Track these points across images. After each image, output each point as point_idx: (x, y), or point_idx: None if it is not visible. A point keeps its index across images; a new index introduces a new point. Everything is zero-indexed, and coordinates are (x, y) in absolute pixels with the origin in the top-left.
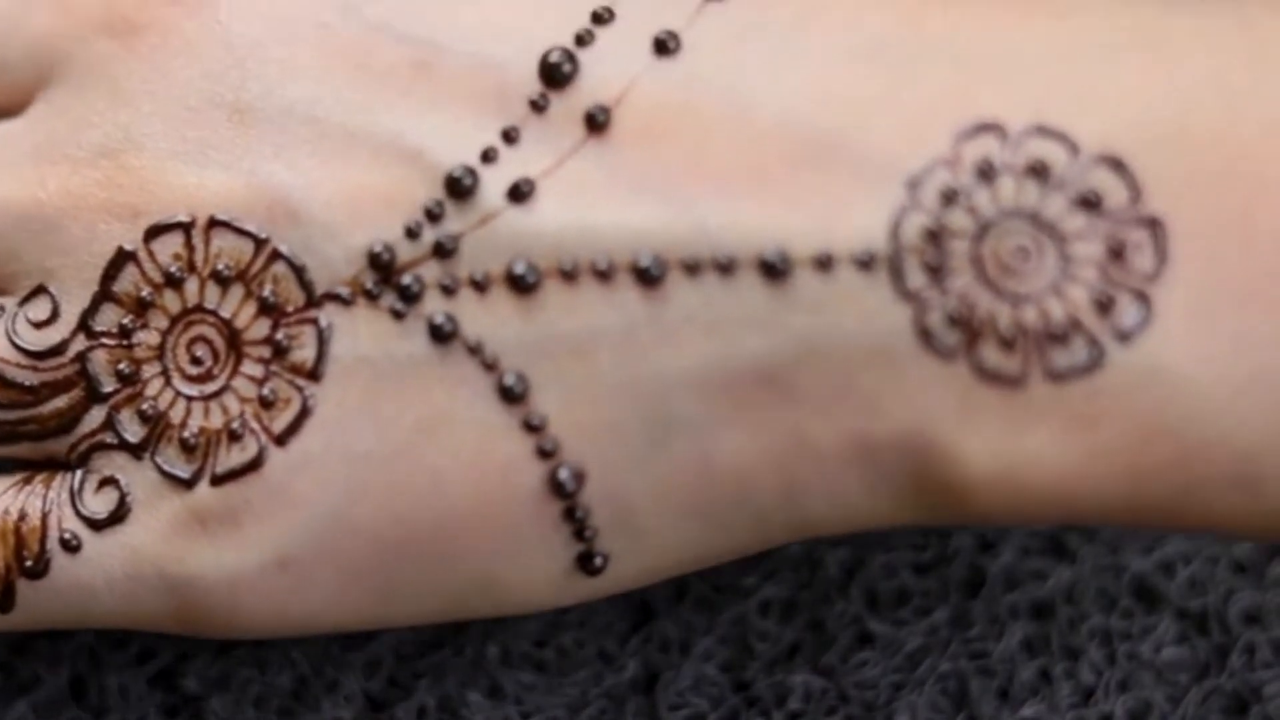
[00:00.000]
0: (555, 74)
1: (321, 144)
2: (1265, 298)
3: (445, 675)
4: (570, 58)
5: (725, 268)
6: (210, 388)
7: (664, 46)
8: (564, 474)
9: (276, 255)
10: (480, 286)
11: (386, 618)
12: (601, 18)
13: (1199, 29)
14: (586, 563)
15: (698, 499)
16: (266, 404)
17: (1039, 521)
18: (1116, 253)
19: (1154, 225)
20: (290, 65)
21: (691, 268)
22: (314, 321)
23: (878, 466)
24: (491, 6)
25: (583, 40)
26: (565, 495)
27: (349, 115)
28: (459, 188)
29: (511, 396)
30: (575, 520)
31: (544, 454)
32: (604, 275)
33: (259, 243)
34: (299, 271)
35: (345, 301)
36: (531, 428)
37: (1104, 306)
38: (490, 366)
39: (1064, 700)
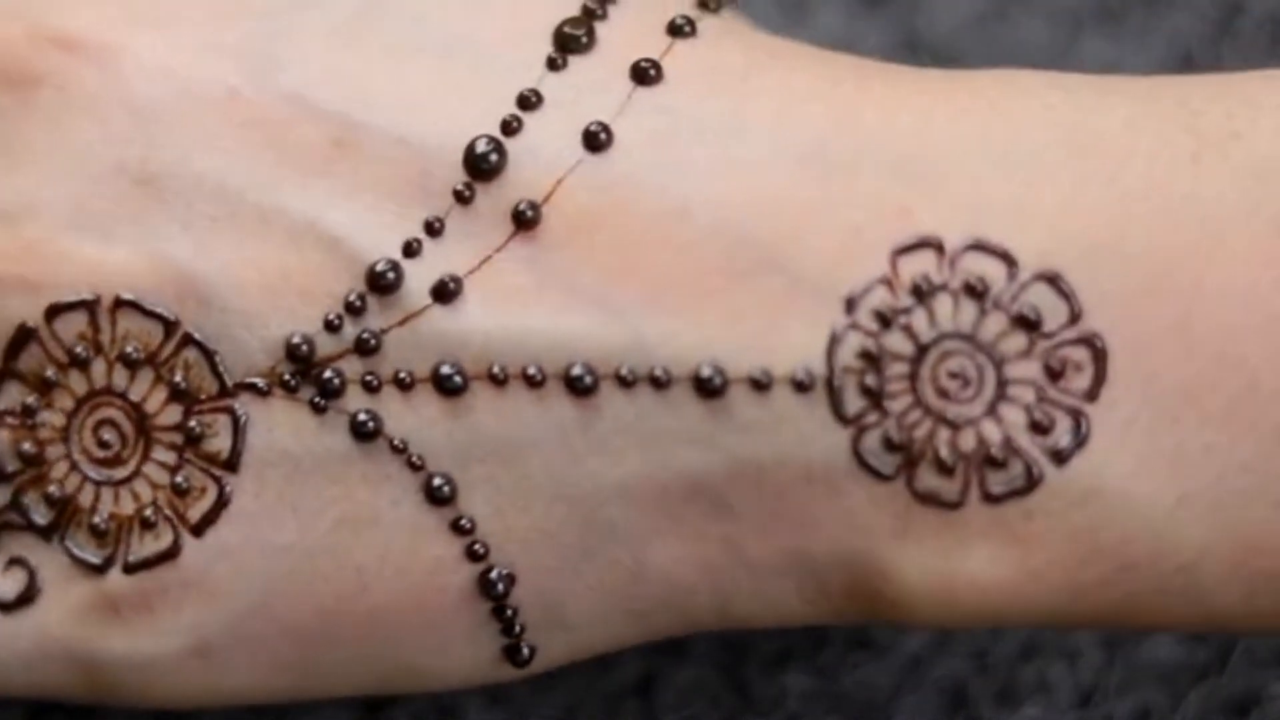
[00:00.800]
0: (482, 165)
1: (233, 223)
2: (1202, 410)
3: None
4: (498, 147)
5: (660, 383)
6: (120, 473)
7: (595, 140)
8: (494, 575)
9: (188, 340)
10: (405, 385)
11: (308, 694)
12: (529, 101)
13: (1138, 123)
14: (514, 654)
15: (629, 601)
16: (180, 492)
17: (977, 628)
18: (1055, 373)
19: (1093, 344)
20: (199, 134)
21: (625, 381)
22: (229, 410)
23: (813, 578)
24: (414, 81)
25: (510, 128)
26: (495, 596)
27: (262, 194)
28: (381, 283)
29: (439, 498)
30: (504, 619)
31: (474, 556)
32: (535, 383)
33: (169, 326)
34: (212, 359)
35: (262, 392)
36: (461, 529)
37: (1041, 428)
38: (416, 466)
39: (1063, 702)
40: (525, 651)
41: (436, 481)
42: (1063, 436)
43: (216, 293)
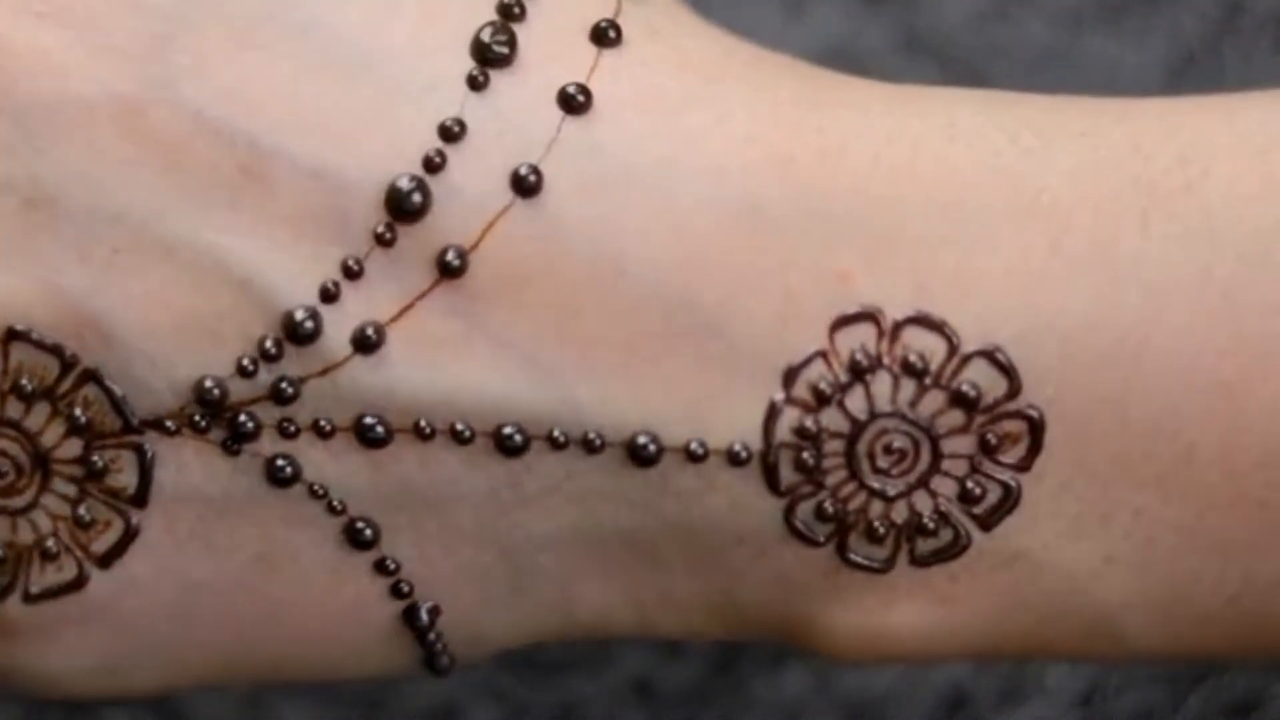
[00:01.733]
0: (404, 206)
1: (134, 255)
2: (1135, 477)
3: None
4: (421, 187)
5: (593, 446)
6: (16, 502)
7: (524, 184)
8: (419, 611)
9: (88, 377)
10: (325, 434)
11: (221, 686)
12: (451, 133)
13: (1085, 176)
14: (433, 664)
15: (555, 631)
16: (83, 525)
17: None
18: (990, 448)
19: (1030, 418)
20: (92, 150)
21: (557, 443)
22: (134, 447)
23: (739, 618)
24: (326, 101)
25: (433, 164)
26: (419, 628)
27: (166, 224)
28: (299, 333)
29: (361, 542)
30: (427, 643)
31: (397, 594)
32: (463, 440)
33: (66, 361)
34: (114, 397)
35: (170, 431)
36: (384, 569)
37: (971, 498)
38: (337, 511)
39: (1064, 702)
40: (444, 661)
41: (359, 525)
42: (993, 505)
43: (118, 331)
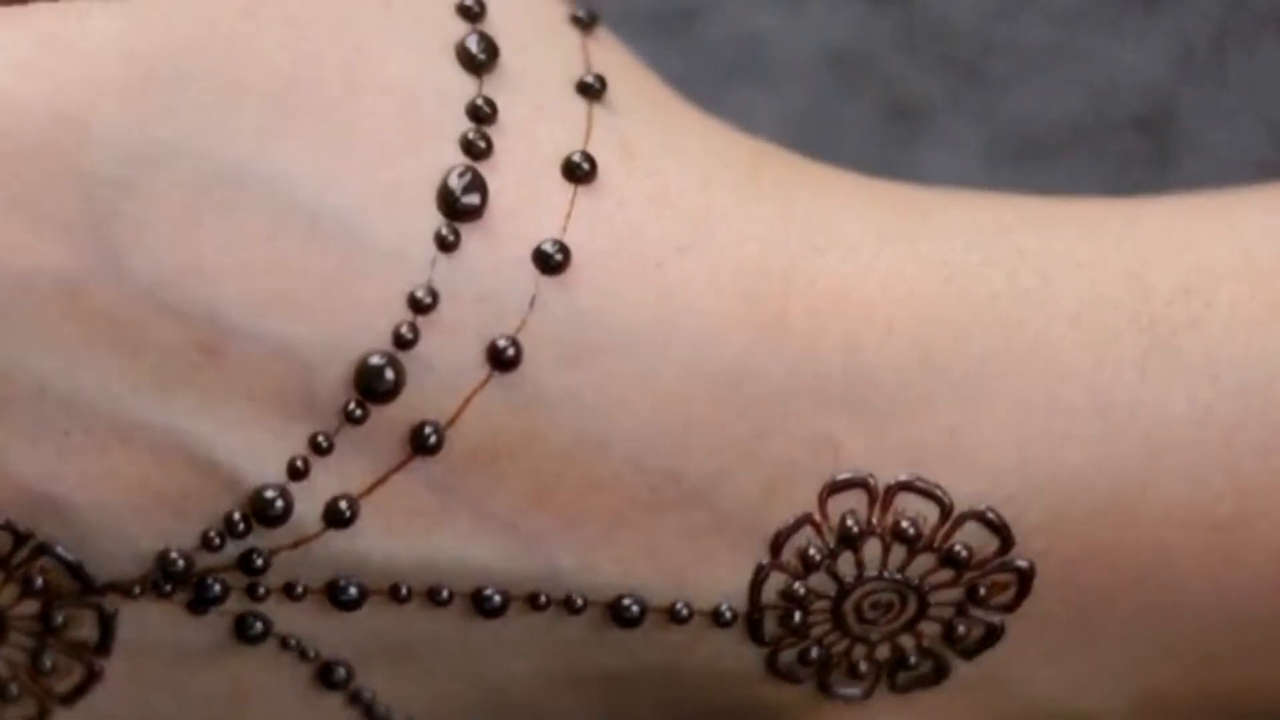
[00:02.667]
0: (375, 387)
1: (88, 438)
2: (1119, 611)
3: None
4: (392, 363)
5: (575, 607)
6: None
7: (502, 357)
8: None
9: (44, 550)
10: (295, 596)
11: None
12: (422, 304)
13: (1085, 319)
14: None
15: None
16: (43, 672)
17: None
18: (978, 597)
19: (1021, 571)
20: (36, 332)
21: (538, 603)
22: (94, 607)
23: None
24: (286, 271)
25: (404, 340)
26: None
27: (120, 406)
28: (268, 514)
29: (333, 682)
30: None
31: (371, 714)
32: (441, 601)
33: (19, 536)
34: (71, 567)
35: (133, 596)
36: (358, 698)
37: (956, 638)
38: (309, 658)
39: None
40: None
41: (332, 667)
42: (975, 639)
43: (75, 512)
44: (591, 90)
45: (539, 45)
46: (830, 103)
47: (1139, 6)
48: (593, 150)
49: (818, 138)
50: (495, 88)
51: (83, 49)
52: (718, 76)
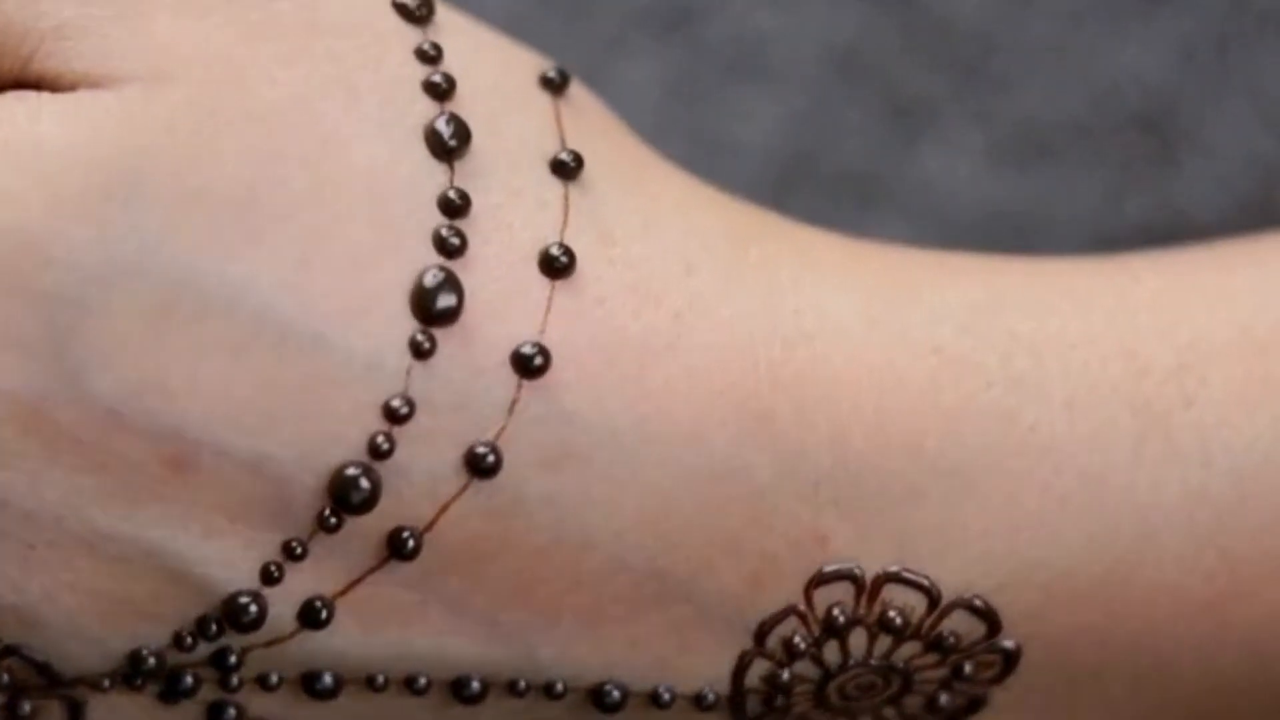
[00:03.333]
0: (350, 499)
1: (52, 550)
2: (1108, 680)
3: None
4: (368, 473)
5: (554, 693)
6: None
7: (481, 464)
8: None
9: (10, 652)
10: (269, 687)
11: None
12: (398, 415)
13: (1080, 404)
14: None
15: None
16: None
17: None
18: (963, 675)
19: (1008, 653)
20: None
21: (517, 689)
22: (63, 698)
23: None
24: (254, 384)
25: (379, 450)
26: None
27: (85, 519)
28: (241, 619)
29: None
30: None
31: None
32: (418, 690)
33: None
34: (39, 665)
35: (103, 689)
36: None
37: (939, 708)
38: None
39: None
40: None
41: None
42: (958, 707)
43: (41, 618)
44: (567, 169)
45: (511, 121)
46: (831, 102)
47: (1141, 6)
48: (570, 238)
49: (818, 138)
50: (467, 173)
51: (35, 162)
52: (718, 76)
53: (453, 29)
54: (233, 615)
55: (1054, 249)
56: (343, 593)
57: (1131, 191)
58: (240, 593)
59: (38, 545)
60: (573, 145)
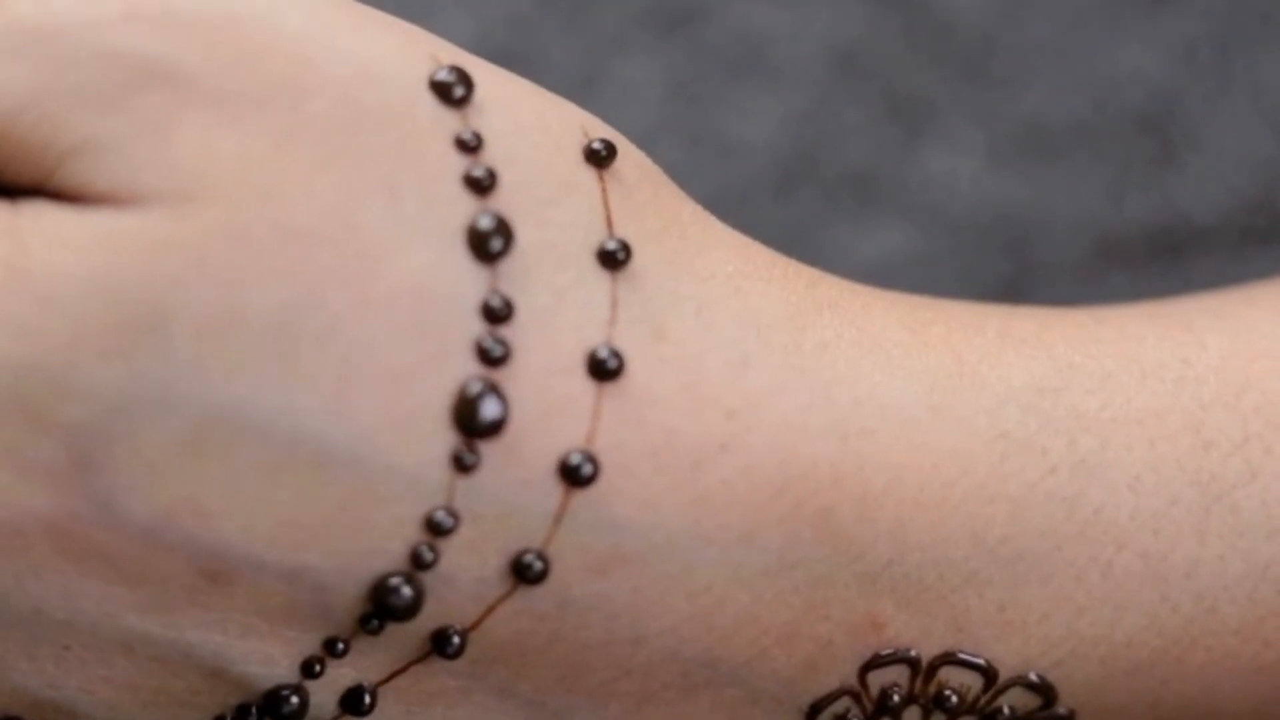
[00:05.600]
0: (393, 607)
1: (89, 651)
2: None
3: None
4: (410, 581)
5: None
6: None
7: (529, 572)
8: None
9: None
10: None
11: None
12: (441, 528)
13: (1145, 482)
14: None
15: None
16: None
17: None
18: None
19: (1061, 718)
20: (29, 569)
21: None
22: None
23: None
24: (293, 504)
25: (422, 561)
26: None
27: (119, 623)
28: (281, 709)
29: None
30: None
31: None
32: None
33: None
34: None
35: None
36: None
37: None
38: None
39: None
40: None
41: None
42: None
43: (79, 710)
44: (615, 260)
45: (557, 210)
46: (833, 102)
47: (1142, 6)
48: (619, 336)
49: (819, 137)
50: (510, 274)
51: (56, 293)
52: (719, 76)
53: (494, 106)
54: (274, 707)
55: (1054, 249)
56: (385, 681)
57: (1132, 191)
58: (281, 686)
59: (73, 647)
60: (620, 227)
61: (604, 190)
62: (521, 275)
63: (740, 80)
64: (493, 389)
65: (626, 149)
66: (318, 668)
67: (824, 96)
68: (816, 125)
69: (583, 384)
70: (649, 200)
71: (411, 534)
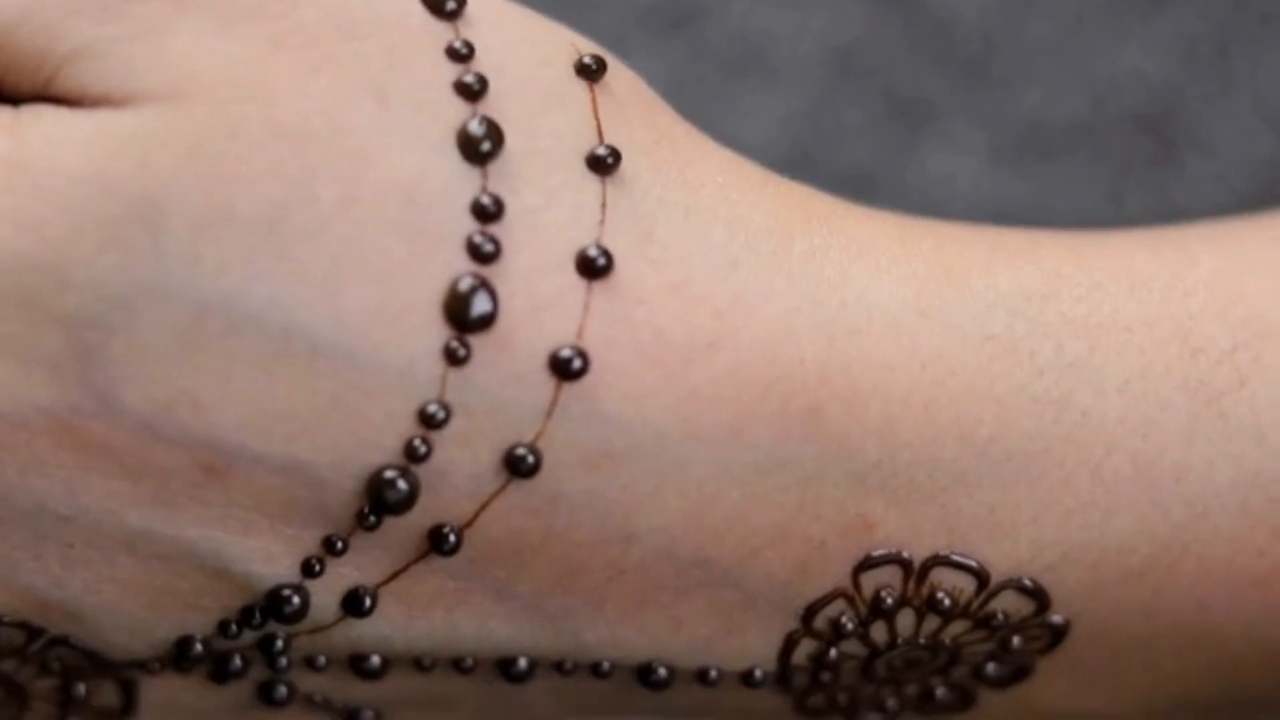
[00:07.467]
0: (388, 502)
1: (92, 549)
2: (1155, 652)
3: None
4: (405, 475)
5: (600, 673)
6: None
7: (521, 466)
8: None
9: (59, 642)
10: (317, 668)
11: None
12: (434, 420)
13: (1134, 387)
14: None
15: None
16: None
17: None
18: (1011, 649)
19: (1055, 627)
20: (31, 463)
21: (564, 669)
22: (115, 678)
23: None
24: (288, 395)
25: (417, 455)
26: None
27: (121, 520)
28: (284, 610)
29: None
30: None
31: None
32: (464, 669)
33: (32, 632)
34: (88, 653)
35: (152, 671)
36: None
37: (985, 676)
38: (336, 709)
39: None
40: None
41: (360, 712)
42: (1005, 676)
43: (84, 611)
44: (604, 165)
45: (547, 118)
46: (832, 102)
47: (1142, 6)
48: (608, 238)
49: (819, 137)
50: (501, 175)
51: (54, 187)
52: (720, 76)
53: (485, 21)
54: (275, 606)
55: None
56: (385, 583)
57: (1132, 191)
58: (282, 586)
59: (77, 545)
60: (610, 137)
61: (594, 101)
62: (512, 177)
63: (740, 80)
64: (484, 284)
65: (618, 67)
66: (318, 567)
67: (824, 96)
68: (816, 125)
69: (572, 281)
70: (640, 114)
71: (405, 427)
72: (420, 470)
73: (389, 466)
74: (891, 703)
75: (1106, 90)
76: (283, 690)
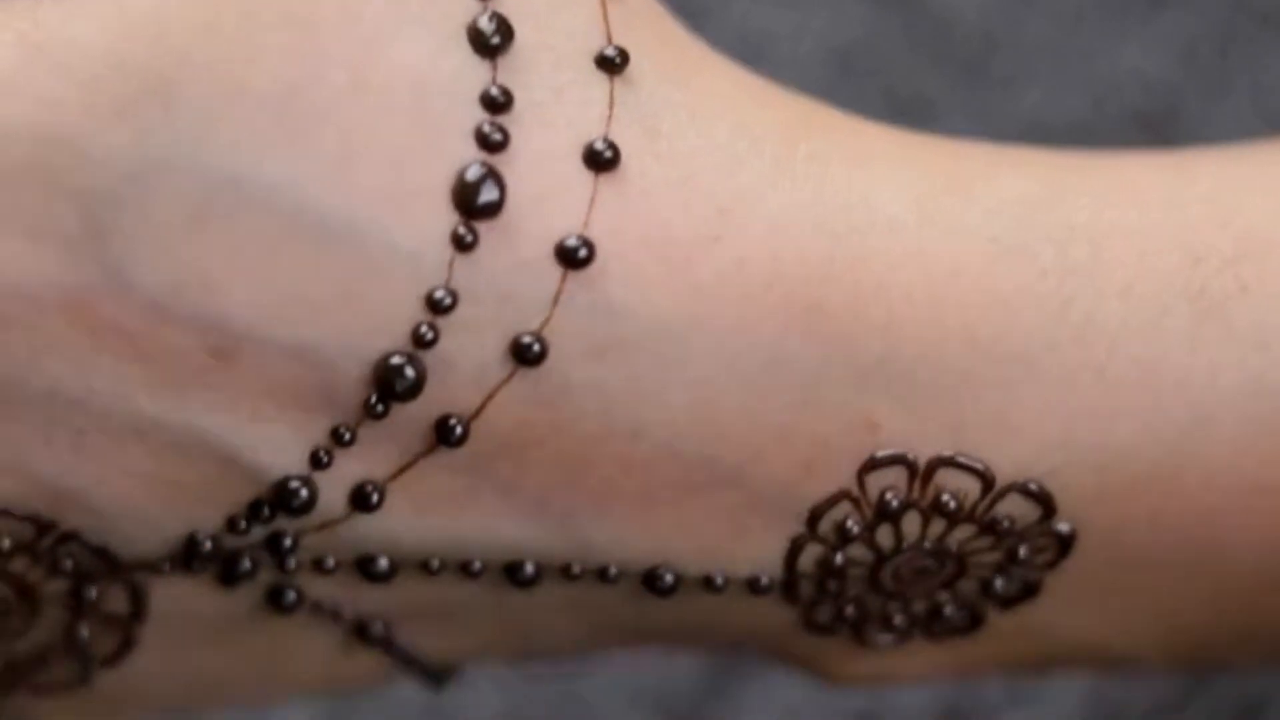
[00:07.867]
0: (395, 387)
1: (102, 434)
2: (1163, 568)
3: None
4: (412, 361)
5: (607, 577)
6: (8, 631)
7: (527, 354)
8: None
9: (69, 537)
10: (326, 570)
11: None
12: (441, 305)
13: (1136, 291)
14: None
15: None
16: (80, 643)
17: None
18: (1018, 559)
19: (1062, 537)
20: (41, 341)
21: (570, 573)
22: (125, 582)
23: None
24: (296, 277)
25: (423, 340)
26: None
27: (131, 404)
28: (292, 503)
29: (371, 637)
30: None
31: (405, 661)
32: (472, 573)
33: (43, 526)
34: (98, 550)
35: (162, 572)
36: (390, 646)
37: (993, 593)
38: (344, 617)
39: (1068, 702)
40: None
41: (368, 624)
42: (1012, 594)
43: (96, 503)
44: (612, 64)
45: (556, 17)
46: (832, 101)
47: (1142, 6)
48: (615, 133)
49: None
50: (510, 70)
51: (70, 63)
52: None
53: None
54: (283, 499)
55: None
56: (393, 477)
57: None
58: (290, 477)
59: (88, 430)
60: (619, 40)
61: (604, 6)
62: (521, 72)
63: None
64: (491, 172)
65: None
66: (325, 458)
67: (824, 96)
68: None
69: (579, 173)
70: (650, 23)
71: (412, 312)
72: (427, 357)
73: (396, 353)
74: (899, 619)
75: (1106, 90)
76: (292, 595)
